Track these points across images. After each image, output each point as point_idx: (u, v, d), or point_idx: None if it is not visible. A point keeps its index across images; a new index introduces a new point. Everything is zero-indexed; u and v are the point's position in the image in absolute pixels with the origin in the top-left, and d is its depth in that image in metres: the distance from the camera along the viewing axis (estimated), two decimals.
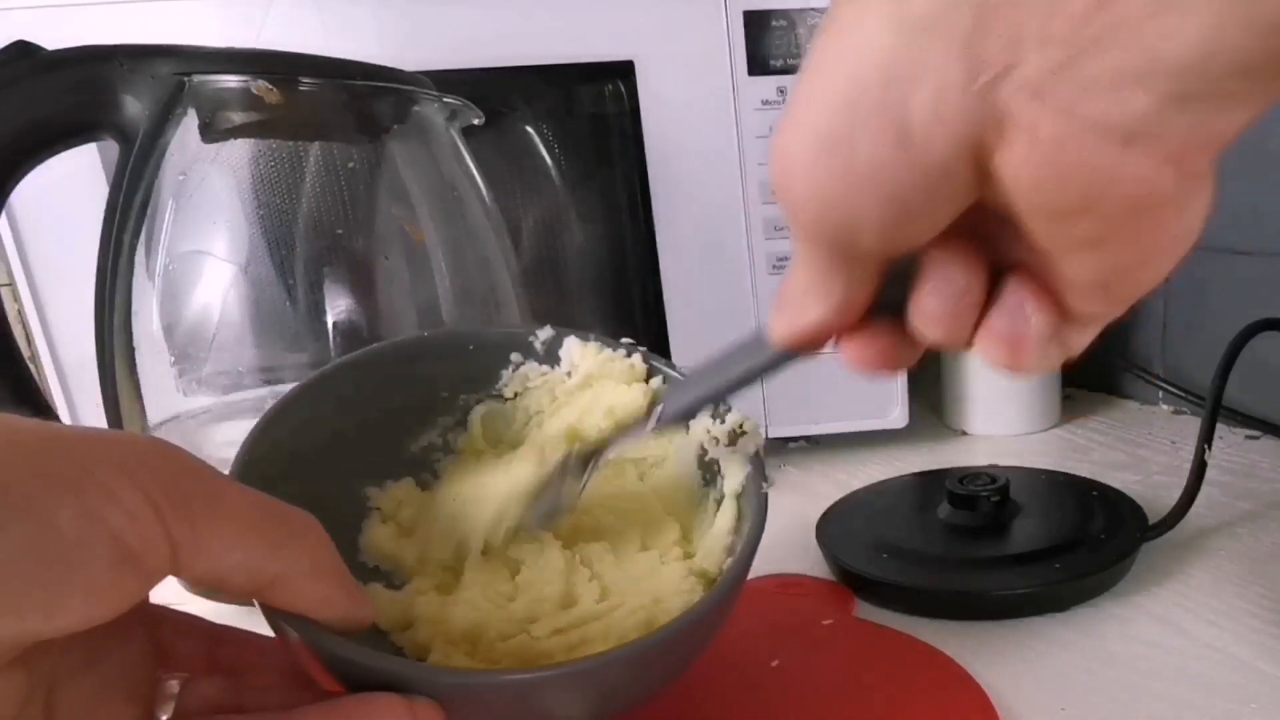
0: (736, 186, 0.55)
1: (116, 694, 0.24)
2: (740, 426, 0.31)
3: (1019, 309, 0.21)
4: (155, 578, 0.21)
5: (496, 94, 0.54)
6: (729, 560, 0.31)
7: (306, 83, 0.40)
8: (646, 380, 0.34)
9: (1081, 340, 0.22)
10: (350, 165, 0.44)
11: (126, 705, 0.24)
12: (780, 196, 0.21)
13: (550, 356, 0.35)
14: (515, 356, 0.35)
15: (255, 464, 0.28)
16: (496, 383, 0.35)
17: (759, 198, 0.56)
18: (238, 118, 0.40)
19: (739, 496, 0.32)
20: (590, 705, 0.26)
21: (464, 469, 0.34)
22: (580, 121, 0.56)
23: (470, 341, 0.35)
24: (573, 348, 0.34)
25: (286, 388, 0.31)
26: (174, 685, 0.25)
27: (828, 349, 0.25)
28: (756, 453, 0.31)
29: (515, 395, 0.35)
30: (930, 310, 0.22)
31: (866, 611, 0.40)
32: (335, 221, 0.44)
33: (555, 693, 0.24)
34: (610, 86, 0.54)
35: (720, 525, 0.32)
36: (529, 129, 0.56)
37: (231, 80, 0.39)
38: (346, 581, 0.25)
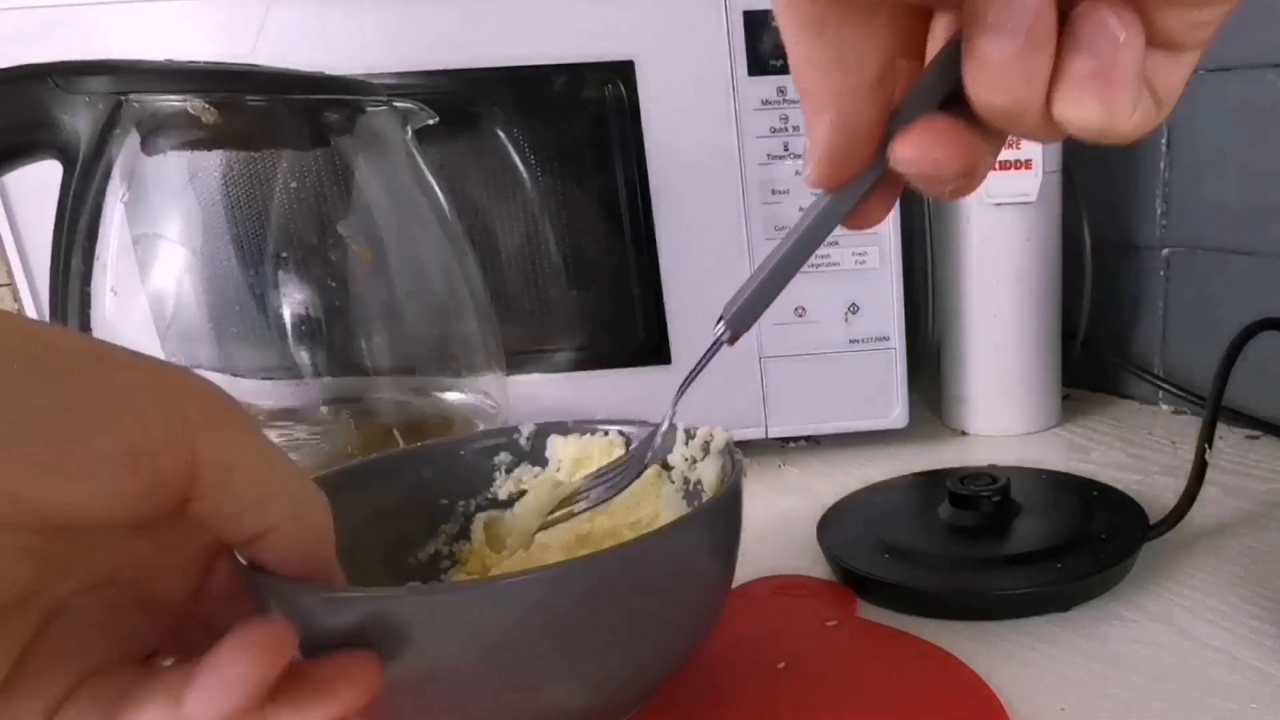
0: (736, 186, 0.55)
1: (115, 634, 0.23)
2: (710, 436, 0.33)
3: (1103, 30, 0.17)
4: (168, 491, 0.21)
5: (495, 94, 0.54)
6: None
7: (249, 98, 0.41)
8: (626, 450, 0.35)
9: (1175, 79, 0.18)
10: (300, 173, 0.44)
11: (120, 646, 0.24)
12: None
13: (536, 451, 0.37)
14: (504, 456, 0.36)
15: None
16: (491, 485, 0.36)
17: (759, 198, 0.56)
18: (179, 135, 0.40)
19: (719, 483, 0.33)
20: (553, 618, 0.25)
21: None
22: (580, 121, 0.56)
23: (462, 449, 0.36)
24: (555, 443, 0.36)
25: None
26: (167, 663, 0.25)
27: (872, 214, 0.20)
28: (726, 446, 0.32)
29: (510, 498, 0.36)
30: (994, 58, 0.17)
31: (868, 612, 0.40)
32: (288, 231, 0.44)
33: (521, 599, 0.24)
34: (610, 86, 0.54)
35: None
36: (528, 129, 0.56)
37: (170, 99, 0.39)
38: (332, 557, 0.25)
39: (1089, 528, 0.43)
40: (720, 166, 0.55)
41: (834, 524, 0.46)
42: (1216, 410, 0.48)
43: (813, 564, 0.45)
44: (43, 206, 0.48)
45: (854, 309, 0.58)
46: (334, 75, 0.43)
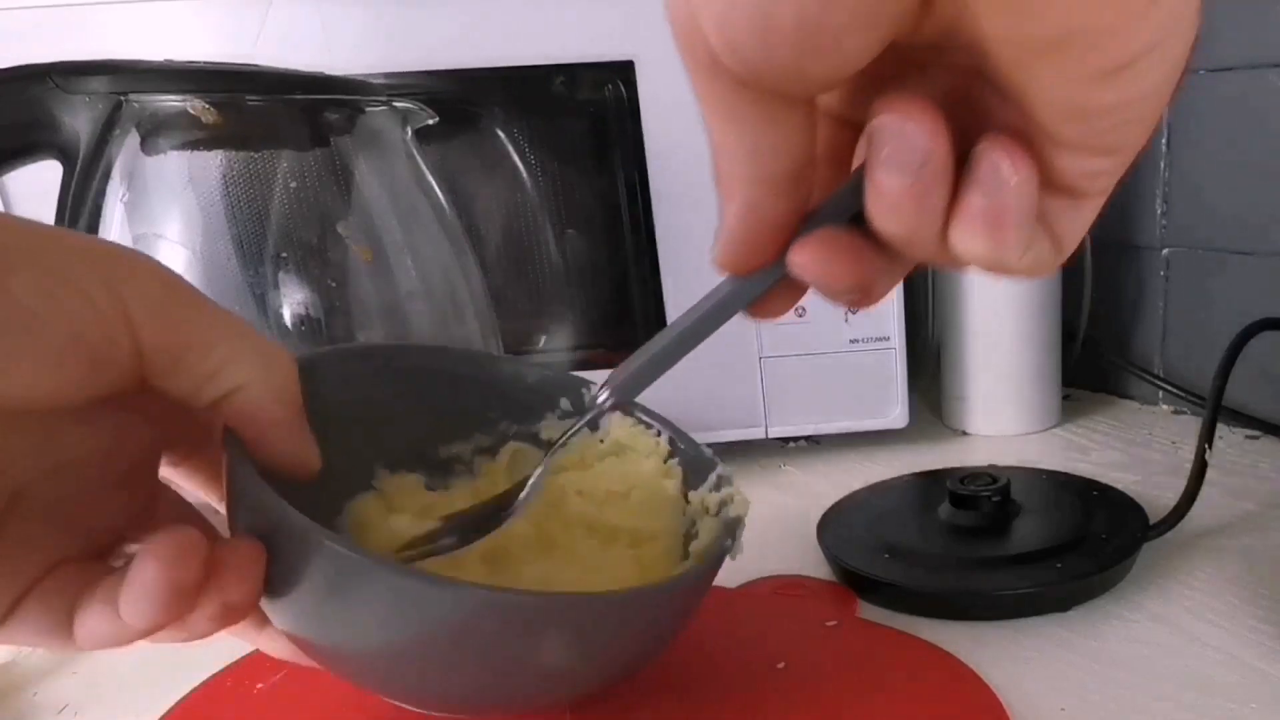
0: None
1: (75, 525, 0.24)
2: (731, 497, 0.32)
3: (994, 172, 0.17)
4: (112, 374, 0.21)
5: (495, 94, 0.54)
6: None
7: (249, 98, 0.40)
8: (667, 461, 0.34)
9: (1073, 225, 0.19)
10: (300, 173, 0.43)
11: (77, 538, 0.24)
12: (678, 11, 0.17)
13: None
14: (565, 403, 0.35)
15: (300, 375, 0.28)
16: (540, 421, 0.35)
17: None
18: (179, 135, 0.40)
19: (701, 554, 0.32)
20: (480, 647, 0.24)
21: (474, 499, 0.34)
22: (580, 121, 0.56)
23: (530, 375, 0.35)
24: (614, 418, 0.35)
25: None
26: (132, 548, 0.26)
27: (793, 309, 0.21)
28: (735, 519, 0.31)
29: (550, 441, 0.35)
30: (889, 189, 0.17)
31: (868, 612, 0.40)
32: (288, 231, 0.43)
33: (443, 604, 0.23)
34: (610, 86, 0.54)
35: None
36: (528, 129, 0.56)
37: (170, 99, 0.39)
38: (299, 417, 0.25)
39: (1089, 528, 0.43)
40: None
41: (834, 524, 0.46)
42: (1216, 410, 0.48)
43: (813, 564, 0.45)
44: (43, 207, 0.48)
45: (854, 309, 0.58)
46: (334, 75, 0.43)
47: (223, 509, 0.26)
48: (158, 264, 0.22)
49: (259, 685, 0.35)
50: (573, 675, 0.27)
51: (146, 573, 0.21)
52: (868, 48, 0.16)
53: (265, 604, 0.25)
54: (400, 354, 0.34)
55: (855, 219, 0.19)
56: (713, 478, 0.33)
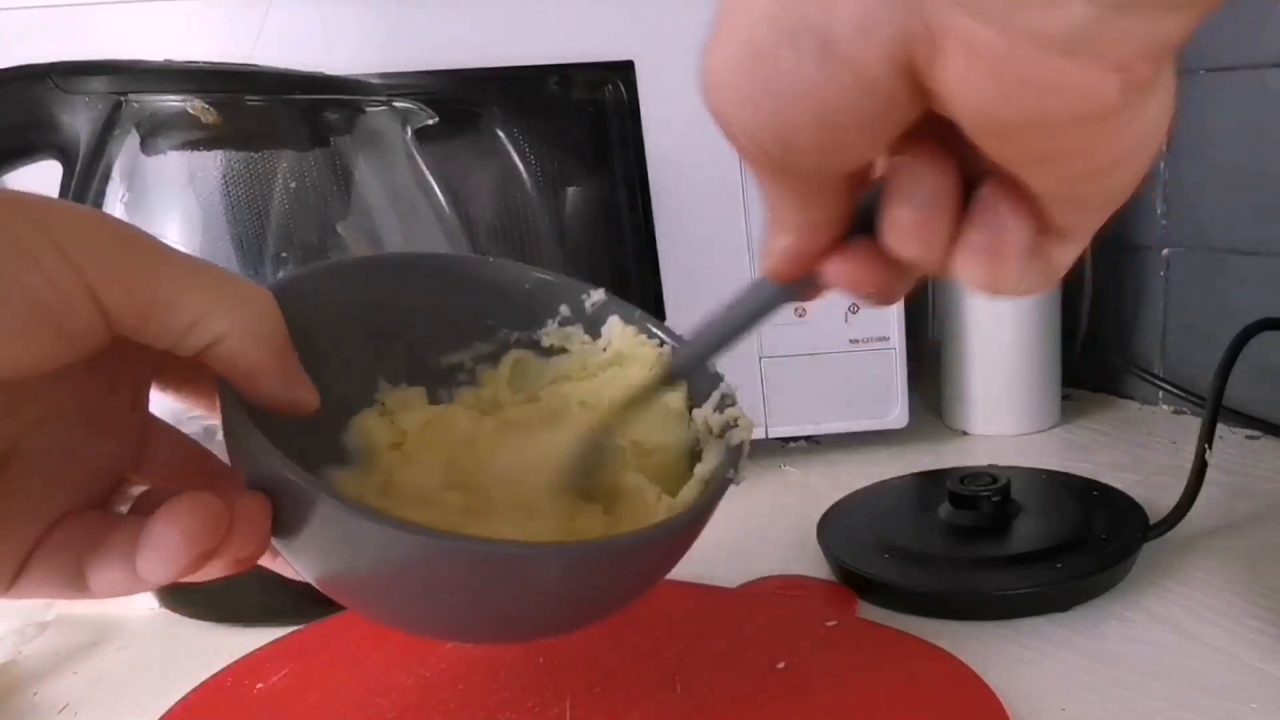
0: (737, 186, 0.55)
1: (70, 478, 0.24)
2: (735, 420, 0.31)
3: (994, 217, 0.20)
4: (81, 339, 0.21)
5: (495, 94, 0.54)
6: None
7: (249, 98, 0.40)
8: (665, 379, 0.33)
9: (1065, 256, 0.21)
10: (300, 173, 0.43)
11: (75, 490, 0.24)
12: (713, 113, 0.20)
13: (593, 321, 0.35)
14: (564, 309, 0.34)
15: (284, 301, 0.27)
16: (540, 328, 0.35)
17: (760, 198, 0.55)
18: (179, 135, 0.40)
19: (706, 481, 0.31)
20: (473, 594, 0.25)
21: (478, 408, 0.34)
22: (580, 121, 0.56)
23: (527, 280, 0.34)
24: (614, 325, 0.34)
25: None
26: (136, 490, 0.26)
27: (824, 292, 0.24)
28: (739, 445, 0.31)
29: (551, 349, 0.35)
30: (901, 221, 0.20)
31: (868, 612, 0.40)
32: (288, 231, 0.43)
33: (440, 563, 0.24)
34: (610, 86, 0.54)
35: (679, 501, 0.32)
36: (528, 129, 0.56)
37: (170, 99, 0.39)
38: (286, 354, 0.25)
39: (1089, 528, 0.43)
40: (720, 166, 0.55)
41: (834, 524, 0.46)
42: (1216, 410, 0.48)
43: (813, 564, 0.45)
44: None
45: (854, 309, 0.58)
46: (334, 75, 0.43)
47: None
48: (107, 217, 0.22)
49: (259, 685, 0.36)
50: (565, 613, 0.28)
51: (170, 540, 0.22)
52: (878, 145, 0.19)
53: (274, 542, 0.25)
54: (390, 263, 0.33)
55: (869, 229, 0.22)
56: (716, 395, 0.32)
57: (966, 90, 0.16)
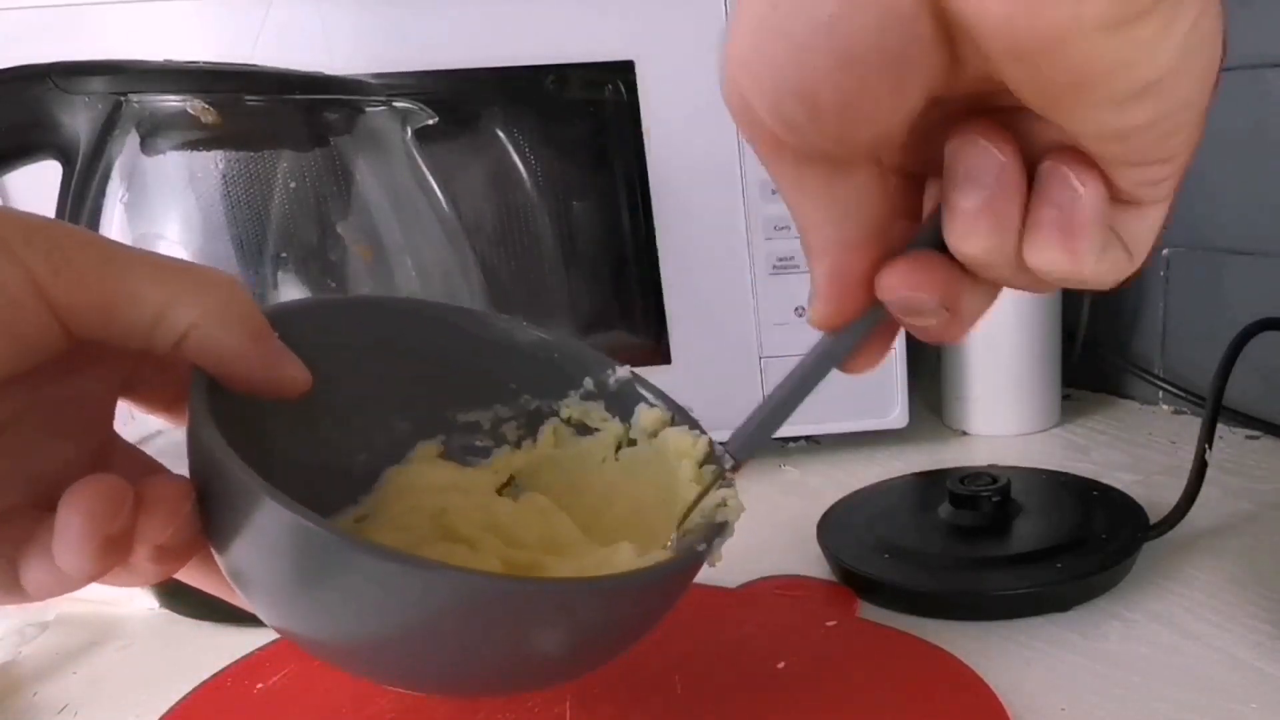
0: (737, 186, 0.55)
1: (14, 477, 0.23)
2: (726, 500, 0.30)
3: (1064, 184, 0.18)
4: (35, 344, 0.21)
5: (495, 95, 0.54)
6: None
7: (249, 98, 0.40)
8: (703, 464, 0.32)
9: (1143, 230, 0.20)
10: (300, 173, 0.43)
11: (17, 489, 0.23)
12: (732, 96, 0.18)
13: (615, 399, 0.34)
14: (588, 383, 0.34)
15: (289, 321, 0.26)
16: (561, 399, 0.34)
17: (759, 197, 0.56)
18: (179, 135, 0.40)
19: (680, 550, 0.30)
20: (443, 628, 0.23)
21: (507, 473, 0.33)
22: (580, 121, 0.56)
23: (556, 350, 0.34)
24: (641, 412, 0.33)
25: None
26: None
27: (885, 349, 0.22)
28: (723, 525, 0.29)
29: (569, 420, 0.34)
30: (964, 208, 0.19)
31: (868, 612, 0.40)
32: (288, 231, 0.43)
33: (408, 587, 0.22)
34: (610, 86, 0.54)
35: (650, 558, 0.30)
36: (528, 129, 0.56)
37: (170, 99, 0.39)
38: (264, 336, 0.24)
39: (1089, 528, 0.43)
40: (720, 166, 0.55)
41: (834, 524, 0.46)
42: (1216, 410, 0.48)
43: (813, 564, 0.45)
44: (43, 207, 0.48)
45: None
46: (334, 75, 0.43)
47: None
48: (60, 223, 0.21)
49: (259, 685, 0.36)
50: (508, 668, 0.25)
51: (71, 525, 0.21)
52: (906, 109, 0.18)
53: (216, 558, 0.24)
54: (415, 308, 0.32)
55: (939, 250, 0.20)
56: (714, 468, 0.31)
57: (991, 9, 0.15)
